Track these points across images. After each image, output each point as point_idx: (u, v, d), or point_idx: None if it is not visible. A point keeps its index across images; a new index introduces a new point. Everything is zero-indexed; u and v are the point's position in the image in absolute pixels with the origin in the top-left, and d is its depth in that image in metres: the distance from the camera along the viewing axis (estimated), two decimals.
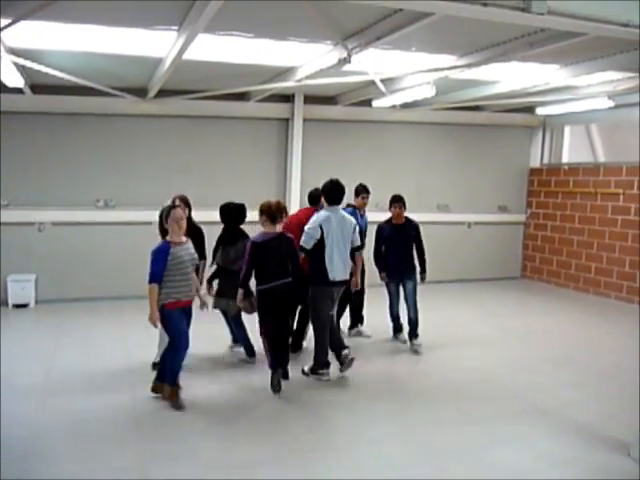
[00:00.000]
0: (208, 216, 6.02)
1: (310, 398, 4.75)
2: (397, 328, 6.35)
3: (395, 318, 6.32)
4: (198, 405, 4.54)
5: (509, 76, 6.80)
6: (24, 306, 7.58)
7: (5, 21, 4.20)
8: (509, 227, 10.42)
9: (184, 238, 4.54)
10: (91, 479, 3.43)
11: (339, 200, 5.15)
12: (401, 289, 6.15)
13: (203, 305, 4.72)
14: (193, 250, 4.58)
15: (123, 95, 7.35)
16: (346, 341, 5.43)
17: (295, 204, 8.65)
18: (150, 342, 5.27)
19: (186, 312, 4.53)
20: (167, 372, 4.51)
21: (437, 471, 3.63)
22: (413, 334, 6.07)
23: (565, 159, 10.32)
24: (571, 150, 10.32)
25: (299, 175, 8.68)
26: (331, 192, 5.13)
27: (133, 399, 4.65)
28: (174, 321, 4.40)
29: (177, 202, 5.05)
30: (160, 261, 4.33)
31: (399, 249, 5.99)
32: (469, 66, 5.73)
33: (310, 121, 8.70)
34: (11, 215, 7.58)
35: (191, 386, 4.74)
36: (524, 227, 10.54)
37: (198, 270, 4.97)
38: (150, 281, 4.34)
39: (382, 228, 6.11)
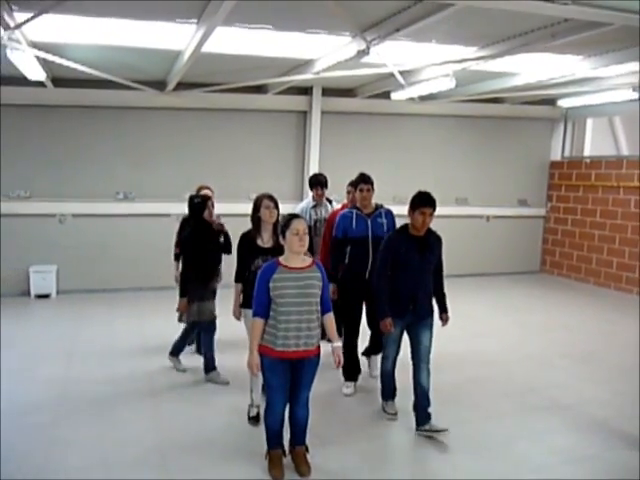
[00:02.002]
0: (228, 208, 6.07)
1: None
2: (390, 392, 4.30)
3: (389, 376, 4.25)
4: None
5: (530, 68, 6.68)
6: (46, 296, 7.71)
7: (27, 15, 4.26)
8: (529, 221, 10.29)
9: (307, 260, 3.36)
10: (109, 464, 3.50)
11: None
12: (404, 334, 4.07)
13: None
14: (317, 280, 3.31)
15: (142, 88, 7.40)
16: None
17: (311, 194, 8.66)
18: (168, 333, 5.33)
19: (293, 364, 3.33)
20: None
21: (453, 467, 3.62)
22: (423, 414, 3.96)
23: (587, 152, 10.14)
24: (593, 143, 10.14)
25: (317, 168, 8.66)
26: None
27: (151, 388, 4.72)
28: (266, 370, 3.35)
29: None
30: (262, 285, 3.25)
31: (416, 273, 3.88)
32: (489, 58, 5.65)
33: (328, 113, 8.67)
34: (33, 207, 7.71)
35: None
36: (544, 221, 10.40)
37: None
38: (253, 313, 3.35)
39: (393, 240, 3.97)
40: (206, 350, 4.89)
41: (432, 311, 4.00)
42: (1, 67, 5.93)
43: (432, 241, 3.94)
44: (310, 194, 5.80)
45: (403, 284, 3.89)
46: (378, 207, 4.64)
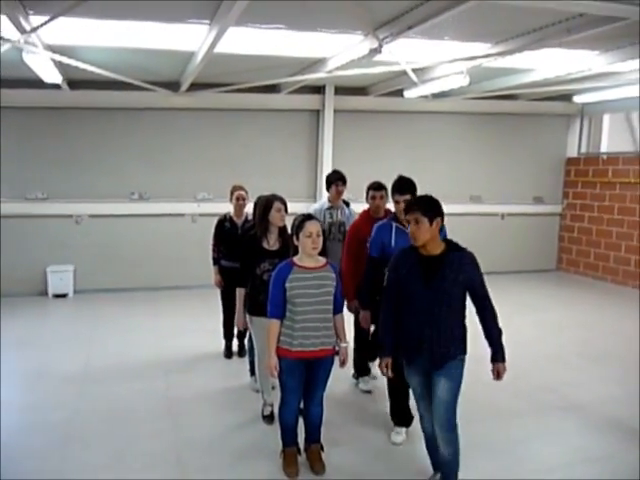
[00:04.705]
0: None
1: None
2: (432, 460, 3.37)
3: (428, 439, 3.31)
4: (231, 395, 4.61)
5: (545, 63, 6.61)
6: (63, 296, 7.82)
7: (42, 19, 4.31)
8: (544, 218, 10.17)
9: (321, 260, 3.33)
10: (126, 465, 3.54)
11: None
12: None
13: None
14: (331, 280, 3.27)
15: (156, 89, 7.45)
16: None
17: (326, 195, 8.65)
18: (183, 331, 5.37)
19: (309, 364, 3.32)
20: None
21: (468, 466, 3.60)
22: None
23: (604, 148, 9.99)
24: (610, 139, 9.98)
25: (330, 166, 8.64)
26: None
27: (167, 386, 4.76)
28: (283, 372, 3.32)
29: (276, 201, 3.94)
30: (277, 286, 3.22)
31: (423, 306, 2.95)
32: (504, 54, 5.59)
33: (341, 112, 8.65)
34: (50, 208, 7.82)
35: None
36: (560, 218, 10.28)
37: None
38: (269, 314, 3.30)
39: (397, 259, 3.09)
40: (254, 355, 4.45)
41: (457, 354, 3.06)
42: (18, 70, 6.01)
43: (449, 262, 2.93)
44: (325, 195, 5.37)
45: (407, 320, 3.02)
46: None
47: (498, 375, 3.11)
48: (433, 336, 2.96)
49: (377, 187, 4.35)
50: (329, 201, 5.19)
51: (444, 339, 2.98)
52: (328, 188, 5.18)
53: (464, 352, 3.10)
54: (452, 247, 3.01)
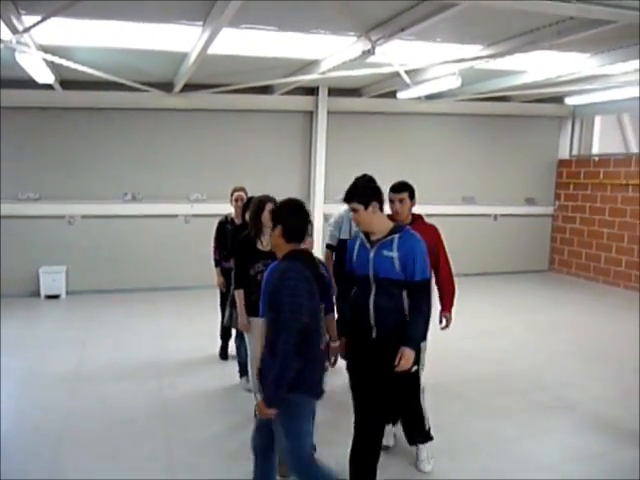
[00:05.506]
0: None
1: None
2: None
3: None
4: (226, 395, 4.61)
5: (537, 65, 6.66)
6: (55, 297, 7.78)
7: (35, 19, 4.30)
8: (536, 219, 10.24)
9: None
10: (120, 465, 3.53)
11: None
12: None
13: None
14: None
15: (149, 89, 7.44)
16: None
17: (319, 197, 8.69)
18: (177, 333, 5.37)
19: None
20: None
21: (460, 464, 3.63)
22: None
23: (595, 150, 10.08)
24: (602, 141, 10.07)
25: (323, 168, 8.69)
26: None
27: (160, 387, 4.75)
28: None
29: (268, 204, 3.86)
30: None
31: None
32: (495, 56, 5.63)
33: (334, 113, 8.67)
34: (42, 209, 7.78)
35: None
36: (552, 219, 10.35)
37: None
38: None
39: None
40: (245, 356, 4.38)
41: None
42: (10, 70, 5.99)
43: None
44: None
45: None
46: (396, 229, 2.99)
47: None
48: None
49: (395, 188, 3.63)
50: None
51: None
52: None
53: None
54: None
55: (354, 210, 2.98)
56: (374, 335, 2.95)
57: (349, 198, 2.98)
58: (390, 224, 3.02)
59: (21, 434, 3.89)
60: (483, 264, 9.80)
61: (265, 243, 3.92)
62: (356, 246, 3.07)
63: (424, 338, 3.02)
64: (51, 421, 4.09)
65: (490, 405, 4.54)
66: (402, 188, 3.62)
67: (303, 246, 2.83)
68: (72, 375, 4.99)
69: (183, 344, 5.82)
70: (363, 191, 2.97)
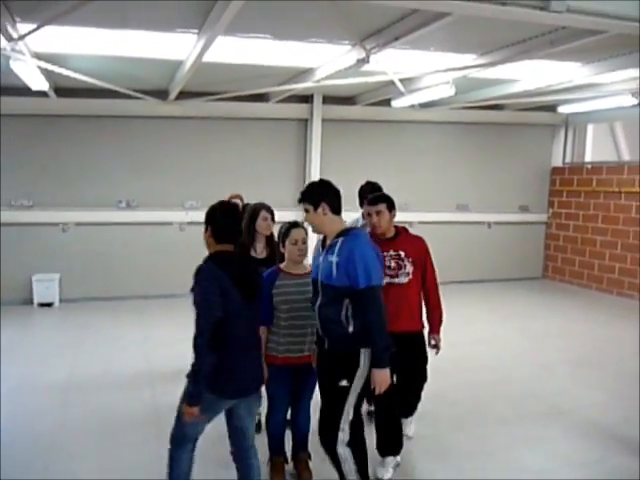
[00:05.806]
0: None
1: None
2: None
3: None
4: None
5: (530, 74, 6.72)
6: (49, 305, 7.73)
7: (30, 27, 4.31)
8: (530, 227, 10.29)
9: (307, 267, 3.31)
10: (111, 478, 3.50)
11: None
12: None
13: None
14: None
15: (144, 97, 7.45)
16: None
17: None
18: (170, 341, 5.35)
19: (296, 371, 3.31)
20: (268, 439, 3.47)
21: (453, 472, 3.62)
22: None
23: (588, 158, 10.16)
24: (594, 149, 10.16)
25: (318, 175, 8.68)
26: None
27: (153, 396, 4.73)
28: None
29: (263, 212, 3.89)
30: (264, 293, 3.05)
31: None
32: (489, 65, 5.68)
33: (329, 121, 8.71)
34: (36, 216, 7.75)
35: None
36: (546, 227, 10.40)
37: None
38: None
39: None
40: None
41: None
42: (4, 77, 5.99)
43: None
44: (360, 210, 4.24)
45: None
46: (343, 232, 2.90)
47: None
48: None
49: (371, 201, 3.53)
50: (363, 217, 4.06)
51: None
52: (362, 203, 4.13)
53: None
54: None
55: (305, 210, 2.96)
56: (326, 346, 2.91)
57: (301, 198, 2.97)
58: (342, 227, 2.93)
59: (11, 443, 3.84)
60: (477, 271, 9.82)
61: (259, 250, 3.95)
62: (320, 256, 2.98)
63: (387, 349, 2.77)
64: (43, 430, 4.06)
65: (484, 412, 4.54)
66: (378, 200, 3.50)
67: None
68: (65, 383, 4.96)
69: (176, 352, 5.75)
70: (313, 192, 2.96)
